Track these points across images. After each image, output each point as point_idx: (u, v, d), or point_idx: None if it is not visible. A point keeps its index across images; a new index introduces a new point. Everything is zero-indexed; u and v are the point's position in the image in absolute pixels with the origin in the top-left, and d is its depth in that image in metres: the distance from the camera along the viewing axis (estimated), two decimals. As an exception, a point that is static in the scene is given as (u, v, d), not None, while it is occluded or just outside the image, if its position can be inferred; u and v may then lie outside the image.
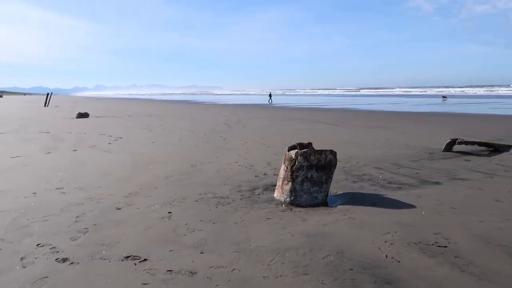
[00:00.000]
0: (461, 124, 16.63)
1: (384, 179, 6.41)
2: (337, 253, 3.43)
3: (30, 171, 7.00)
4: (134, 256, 3.40)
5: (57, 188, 5.74)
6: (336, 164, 5.43)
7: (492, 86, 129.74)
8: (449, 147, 9.43)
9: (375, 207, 4.86)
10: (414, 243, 3.63)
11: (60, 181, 6.20)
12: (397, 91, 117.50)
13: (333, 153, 5.35)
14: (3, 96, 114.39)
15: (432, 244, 3.60)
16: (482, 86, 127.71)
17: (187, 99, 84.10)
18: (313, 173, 5.23)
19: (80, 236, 3.89)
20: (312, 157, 5.23)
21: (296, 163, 5.30)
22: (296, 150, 5.38)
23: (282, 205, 5.09)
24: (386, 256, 3.36)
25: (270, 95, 53.24)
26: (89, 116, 21.98)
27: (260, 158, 8.26)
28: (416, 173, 6.89)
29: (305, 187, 5.22)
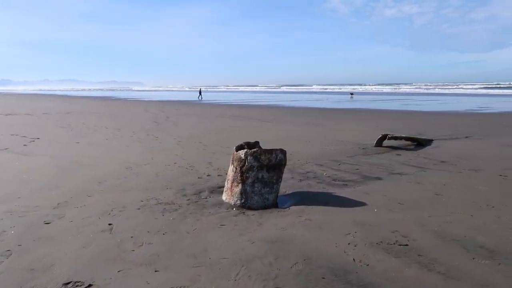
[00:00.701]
0: (381, 120, 17.67)
1: (328, 176, 6.43)
2: (304, 260, 3.25)
3: None
4: (76, 283, 2.89)
5: (-36, 201, 4.84)
6: (285, 163, 5.29)
7: (399, 84, 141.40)
8: (380, 142, 9.87)
9: (328, 206, 4.79)
10: (377, 243, 3.59)
11: (-32, 192, 5.26)
12: (315, 88, 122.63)
13: (283, 152, 5.19)
14: None
15: (394, 243, 3.59)
16: (390, 84, 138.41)
17: (107, 95, 79.44)
18: (263, 174, 5.03)
19: (3, 261, 3.24)
20: (262, 157, 5.02)
21: (246, 163, 5.05)
22: (246, 150, 5.13)
23: (232, 208, 4.81)
24: (354, 259, 3.26)
25: (200, 92, 52.30)
26: (-4, 114, 19.55)
27: (199, 158, 7.87)
28: (357, 169, 7.03)
29: (256, 188, 5.00)
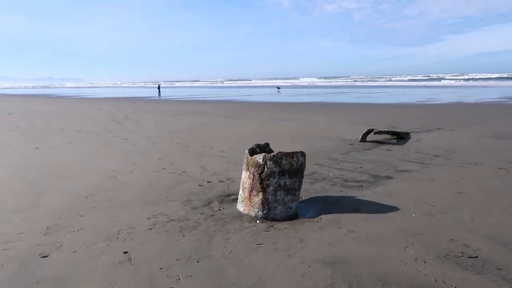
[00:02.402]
0: (346, 114, 17.74)
1: (337, 177, 6.04)
2: (383, 285, 2.79)
3: None
4: None
5: None
6: (305, 167, 4.80)
7: (336, 77, 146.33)
8: (365, 137, 9.69)
9: (361, 213, 4.38)
10: (444, 257, 3.21)
11: None
12: (259, 82, 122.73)
13: (303, 154, 4.69)
14: None
15: (462, 256, 3.23)
16: (328, 78, 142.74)
17: (46, 92, 74.18)
18: (286, 180, 4.50)
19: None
20: (283, 161, 4.49)
21: (266, 169, 4.50)
22: (264, 154, 4.57)
23: (256, 221, 4.25)
24: (435, 280, 2.85)
25: (159, 87, 47.72)
26: None
27: (187, 162, 7.16)
28: (360, 167, 6.72)
29: (279, 197, 4.47)
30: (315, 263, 3.15)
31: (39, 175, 6.18)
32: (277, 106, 24.64)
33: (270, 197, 4.45)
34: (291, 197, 4.53)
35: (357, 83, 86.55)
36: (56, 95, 52.14)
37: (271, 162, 4.48)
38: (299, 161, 4.60)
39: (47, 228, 3.93)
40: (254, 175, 4.56)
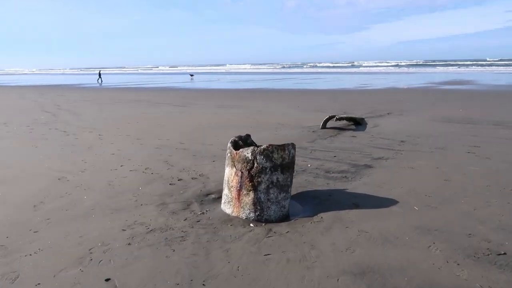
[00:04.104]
0: (292, 100, 17.62)
1: (316, 168, 5.69)
2: (428, 296, 2.44)
3: None
4: None
5: None
6: (295, 160, 4.35)
7: (267, 63, 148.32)
8: (325, 124, 9.49)
9: (361, 209, 4.04)
10: (474, 256, 2.95)
11: None
12: (191, 69, 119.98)
13: (294, 146, 4.23)
14: None
15: (490, 254, 3.00)
16: (257, 64, 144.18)
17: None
18: (278, 176, 4.02)
19: None
20: (275, 155, 3.99)
21: (256, 164, 3.97)
22: (253, 148, 4.04)
23: (249, 224, 3.73)
24: (481, 286, 2.55)
25: (99, 74, 42.82)
26: None
27: (146, 157, 6.38)
28: (334, 156, 6.43)
29: (272, 195, 3.98)
30: (343, 275, 2.71)
31: (-34, 180, 5.06)
32: (219, 93, 23.93)
33: (262, 196, 3.94)
34: (284, 194, 4.06)
35: (284, 70, 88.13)
36: (-33, 83, 46.45)
37: (262, 157, 3.96)
38: (291, 154, 4.14)
39: (-6, 251, 3.07)
40: (242, 172, 4.02)
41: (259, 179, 3.96)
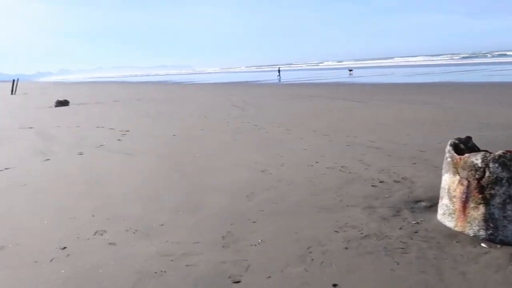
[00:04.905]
0: (490, 94, 15.08)
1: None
2: None
3: (32, 196, 4.73)
4: None
5: (95, 232, 3.55)
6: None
7: (438, 55, 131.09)
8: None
9: None
10: None
11: (93, 215, 3.98)
12: (356, 63, 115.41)
13: (534, 153, 3.40)
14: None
15: None
16: (440, 55, 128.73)
17: (164, 79, 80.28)
18: (517, 189, 3.28)
19: None
20: (512, 163, 3.27)
21: (487, 174, 3.32)
22: (483, 153, 3.40)
23: (480, 243, 3.15)
24: None
25: (279, 71, 45.37)
26: (69, 103, 19.13)
27: (339, 154, 6.24)
28: None
29: (509, 212, 3.27)
30: None
31: (183, 169, 5.83)
32: (396, 87, 22.41)
33: (496, 211, 3.29)
34: (524, 212, 3.30)
35: (465, 61, 76.79)
36: (172, 82, 55.81)
37: (496, 165, 3.30)
38: (532, 163, 3.34)
39: (222, 237, 3.35)
40: (469, 181, 3.43)
41: (492, 192, 3.32)
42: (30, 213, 4.17)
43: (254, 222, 3.67)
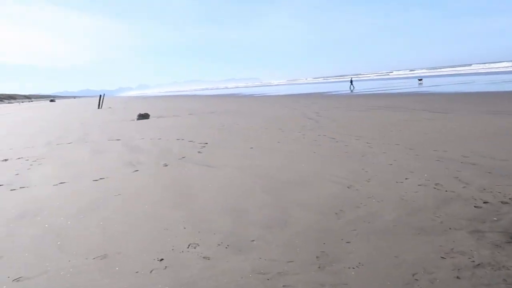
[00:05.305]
0: None
1: None
2: None
3: (126, 205, 4.99)
4: None
5: (189, 245, 3.61)
6: None
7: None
8: None
9: None
10: None
11: (184, 227, 4.08)
12: (428, 72, 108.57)
13: None
14: (56, 100, 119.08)
15: None
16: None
17: (233, 92, 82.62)
18: None
19: None
20: None
21: None
22: None
23: None
24: None
25: (351, 81, 44.88)
26: (150, 117, 20.33)
27: (430, 170, 5.81)
28: None
29: None
30: None
31: (272, 180, 5.80)
32: (484, 96, 20.68)
33: None
34: None
35: None
36: (242, 94, 57.15)
37: None
38: None
39: (317, 257, 3.22)
40: None
41: None
42: (126, 222, 4.38)
43: (348, 242, 3.49)
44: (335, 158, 7.12)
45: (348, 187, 5.17)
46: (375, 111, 16.20)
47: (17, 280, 3.14)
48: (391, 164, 6.34)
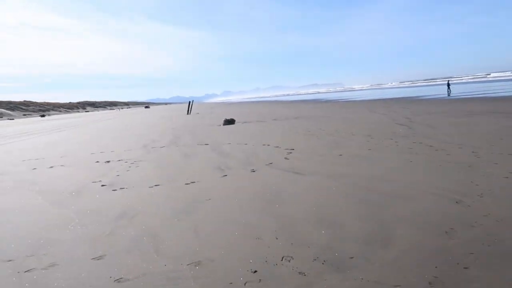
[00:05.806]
0: None
1: None
2: None
3: (217, 210, 4.99)
4: None
5: (283, 257, 3.43)
6: None
7: None
8: None
9: None
10: None
11: (276, 238, 3.92)
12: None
13: None
14: (150, 107, 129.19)
15: None
16: None
17: (314, 98, 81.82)
18: None
19: None
20: None
21: None
22: None
23: None
24: None
25: (448, 84, 41.94)
26: (235, 122, 20.82)
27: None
28: None
29: None
30: None
31: (364, 191, 5.41)
32: None
33: None
34: None
35: None
36: (324, 99, 56.26)
37: None
38: None
39: (430, 283, 2.82)
40: None
41: None
42: (217, 228, 4.36)
43: (465, 268, 3.02)
44: (436, 169, 6.45)
45: (456, 202, 4.59)
46: (478, 117, 14.66)
47: (118, 281, 3.24)
48: (507, 177, 5.54)
